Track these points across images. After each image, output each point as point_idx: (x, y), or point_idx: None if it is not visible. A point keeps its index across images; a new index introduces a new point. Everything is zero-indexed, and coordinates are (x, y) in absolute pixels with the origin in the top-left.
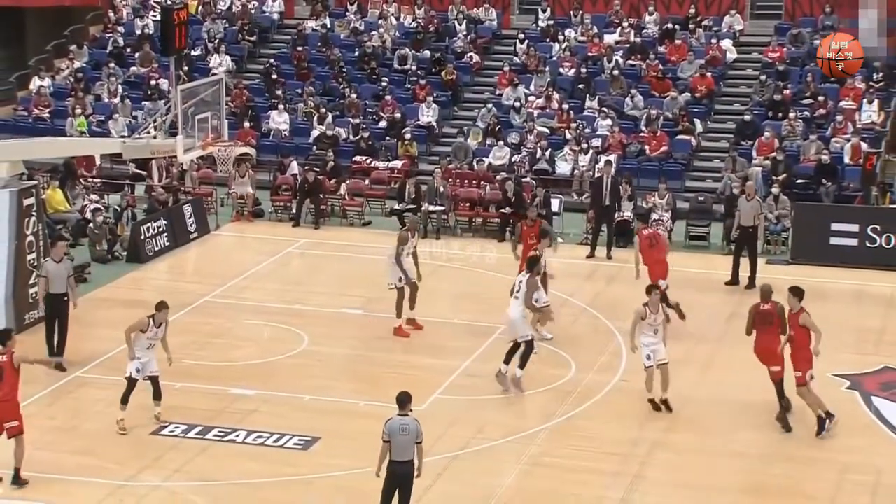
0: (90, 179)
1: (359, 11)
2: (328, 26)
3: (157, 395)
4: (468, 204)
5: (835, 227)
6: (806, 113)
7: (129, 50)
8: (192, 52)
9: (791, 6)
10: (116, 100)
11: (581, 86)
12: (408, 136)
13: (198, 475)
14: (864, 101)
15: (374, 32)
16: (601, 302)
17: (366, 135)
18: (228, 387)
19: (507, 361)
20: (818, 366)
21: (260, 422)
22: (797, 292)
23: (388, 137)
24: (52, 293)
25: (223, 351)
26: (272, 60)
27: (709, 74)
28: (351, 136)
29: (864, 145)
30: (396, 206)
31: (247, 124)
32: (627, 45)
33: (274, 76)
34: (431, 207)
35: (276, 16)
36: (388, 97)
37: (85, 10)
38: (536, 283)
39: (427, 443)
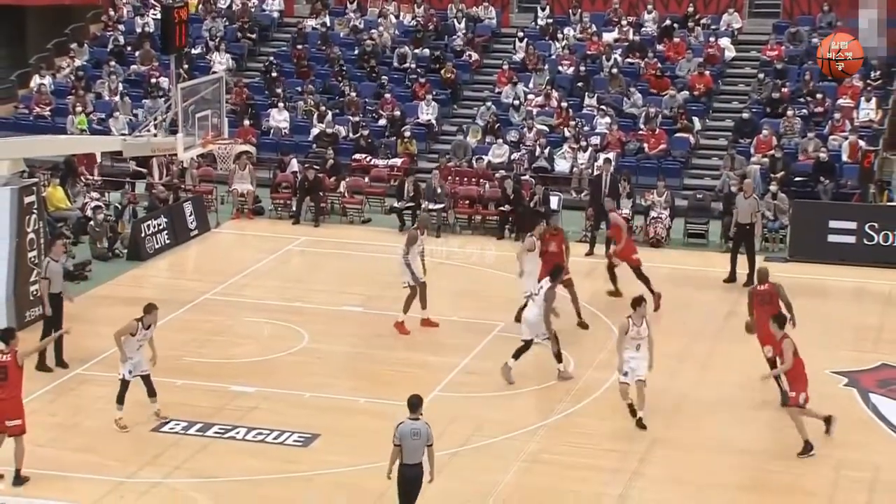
0: (91, 177)
1: (358, 10)
2: (328, 24)
3: (151, 393)
4: (467, 202)
5: (833, 224)
6: (804, 111)
7: (129, 48)
8: (193, 51)
9: (789, 4)
10: (117, 98)
11: (580, 84)
12: (407, 134)
13: (198, 472)
14: (862, 99)
15: (373, 31)
16: (600, 299)
17: (365, 133)
18: (229, 384)
19: (515, 357)
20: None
21: (260, 419)
22: (777, 319)
23: (387, 135)
24: (51, 293)
25: (223, 348)
26: (272, 58)
27: (707, 72)
28: (351, 134)
29: (861, 143)
30: (396, 204)
31: (247, 122)
32: (626, 44)
33: (274, 74)
34: (431, 206)
35: (276, 14)
36: (387, 95)
37: (85, 8)
38: (556, 294)
39: None
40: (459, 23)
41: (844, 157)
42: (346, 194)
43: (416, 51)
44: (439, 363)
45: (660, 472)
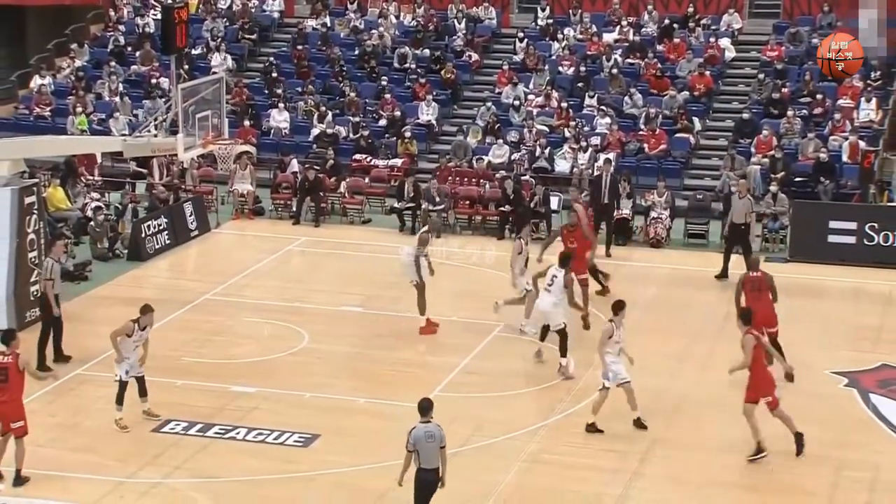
0: (91, 178)
1: (359, 10)
2: (328, 25)
3: (142, 393)
4: (468, 202)
5: (833, 224)
6: (804, 111)
7: (129, 48)
8: (193, 51)
9: (789, 5)
10: (117, 98)
11: (580, 84)
12: (407, 134)
13: (198, 472)
14: (863, 99)
15: (373, 31)
16: (600, 299)
17: (366, 133)
18: (229, 384)
19: (542, 339)
20: (816, 363)
21: (260, 419)
22: (743, 315)
23: (387, 136)
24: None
25: (224, 348)
26: (272, 59)
27: (707, 73)
28: (351, 135)
29: (862, 143)
30: (396, 205)
31: (247, 123)
32: (626, 44)
33: (274, 75)
34: (431, 207)
35: (276, 14)
36: (387, 95)
37: (86, 8)
38: (573, 280)
39: None
40: (459, 23)
41: (844, 158)
42: (346, 195)
43: (417, 51)
44: (439, 363)
45: (660, 471)
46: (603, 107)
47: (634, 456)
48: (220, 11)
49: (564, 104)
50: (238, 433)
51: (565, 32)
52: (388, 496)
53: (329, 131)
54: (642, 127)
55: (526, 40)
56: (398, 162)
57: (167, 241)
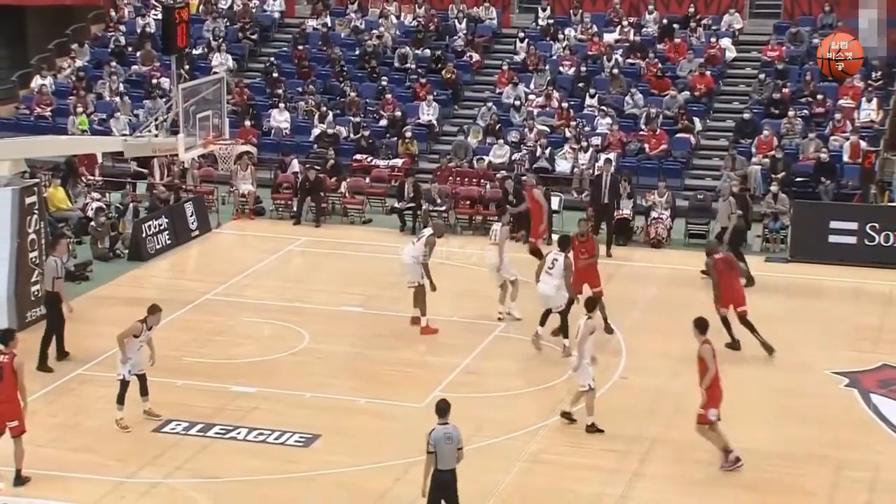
0: (92, 178)
1: (359, 10)
2: (329, 25)
3: (143, 391)
4: (468, 202)
5: (833, 225)
6: (805, 111)
7: (130, 48)
8: (194, 51)
9: (790, 5)
10: (118, 98)
11: (581, 84)
12: (408, 134)
13: (199, 472)
14: (863, 99)
15: (374, 31)
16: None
17: (366, 133)
18: (229, 384)
19: (542, 324)
20: (817, 363)
21: (261, 419)
22: (698, 324)
23: (388, 136)
24: (50, 291)
25: (224, 348)
26: (273, 59)
27: (708, 73)
28: (351, 135)
29: (862, 143)
30: (397, 205)
31: (248, 123)
32: (627, 44)
33: (275, 75)
34: (432, 207)
35: (277, 14)
36: (388, 96)
37: (86, 8)
38: (571, 263)
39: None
40: (460, 23)
41: (845, 158)
42: (346, 195)
43: (417, 51)
44: (440, 363)
45: (660, 472)
46: (603, 107)
47: (634, 456)
48: (220, 11)
49: (565, 104)
50: (238, 433)
51: (566, 32)
52: (388, 496)
53: (330, 131)
54: (643, 127)
55: (527, 40)
56: (399, 162)
57: (168, 241)
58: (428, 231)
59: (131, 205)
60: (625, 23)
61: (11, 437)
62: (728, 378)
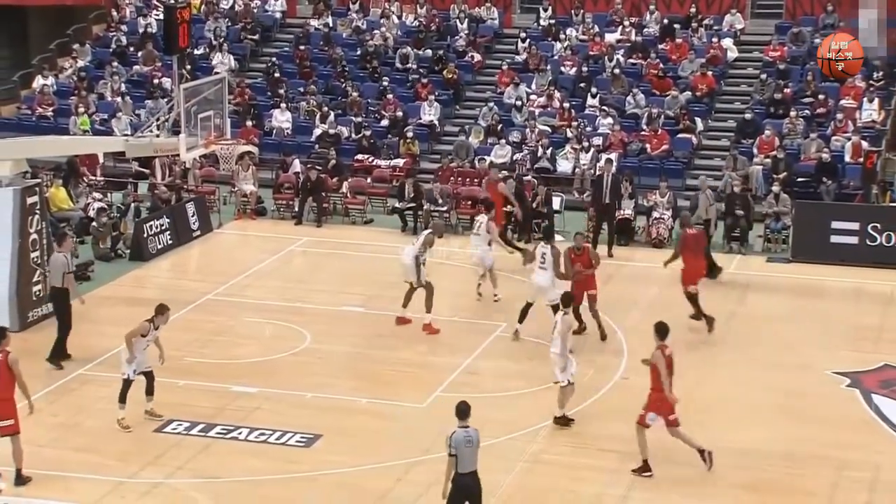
0: (93, 178)
1: (361, 10)
2: (330, 25)
3: (149, 391)
4: (469, 202)
5: (835, 225)
6: (806, 111)
7: (132, 49)
8: (195, 51)
9: (792, 5)
10: (119, 98)
11: (582, 84)
12: (409, 134)
13: (200, 472)
14: (865, 99)
15: (375, 31)
16: (601, 300)
17: (368, 133)
18: (231, 384)
19: (520, 321)
20: (818, 363)
21: (262, 419)
22: (658, 329)
23: (389, 136)
24: (55, 286)
25: (225, 348)
26: (274, 59)
27: (710, 73)
28: (353, 135)
29: (864, 144)
30: (398, 205)
31: (249, 123)
32: (628, 44)
33: (276, 75)
34: (433, 207)
35: (278, 15)
36: (389, 96)
37: (88, 8)
38: (560, 252)
39: (428, 440)
40: (462, 23)
41: (847, 158)
42: (348, 195)
43: (419, 51)
44: (441, 363)
45: (660, 472)
46: (605, 107)
47: (635, 456)
48: (222, 11)
49: (566, 104)
50: (240, 433)
51: (567, 32)
52: (389, 496)
53: (331, 131)
54: (644, 127)
55: (528, 40)
56: (400, 162)
57: (169, 242)
58: (427, 231)
59: (133, 205)
60: (626, 23)
61: (4, 436)
62: (729, 377)
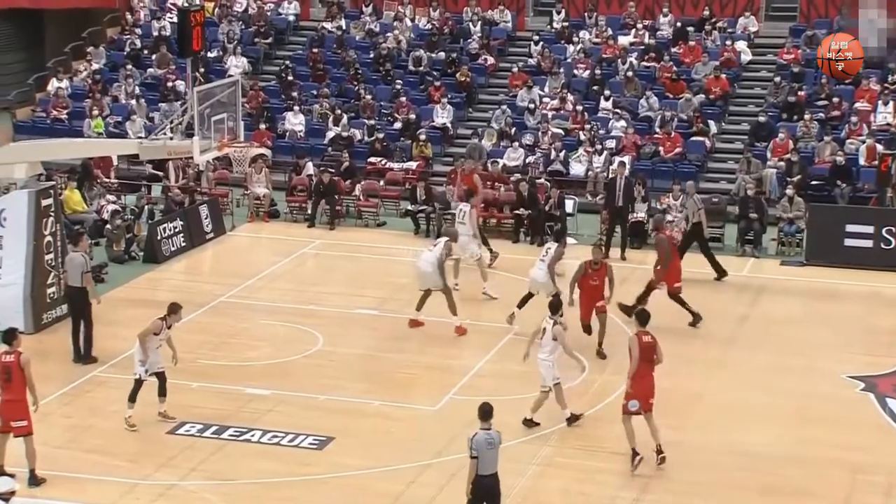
0: (107, 180)
1: (374, 13)
2: (343, 28)
3: (162, 392)
4: (482, 205)
5: (849, 228)
6: (821, 114)
7: (146, 52)
8: (209, 54)
9: (806, 8)
10: (133, 101)
11: (595, 87)
12: (422, 137)
13: (213, 474)
14: (879, 102)
15: (389, 34)
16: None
17: (381, 136)
18: (244, 386)
19: (520, 306)
20: (832, 367)
21: (275, 421)
22: (638, 315)
23: (402, 139)
24: (72, 286)
25: (238, 351)
26: (288, 62)
27: (723, 76)
28: (366, 138)
29: (879, 147)
30: (410, 208)
31: (262, 126)
32: (642, 47)
33: (289, 78)
34: (445, 210)
35: (291, 17)
36: (402, 98)
37: (103, 12)
38: (563, 253)
39: (441, 443)
40: (475, 26)
41: (861, 161)
42: (361, 197)
43: (432, 54)
44: (454, 366)
45: (674, 475)
46: (618, 110)
47: (649, 460)
48: (235, 14)
49: (579, 107)
50: (253, 435)
51: (580, 35)
52: (401, 499)
53: (344, 134)
54: (657, 130)
55: (541, 43)
56: (413, 165)
57: (183, 244)
58: (444, 239)
59: (146, 207)
60: (639, 26)
61: (17, 437)
62: (742, 381)
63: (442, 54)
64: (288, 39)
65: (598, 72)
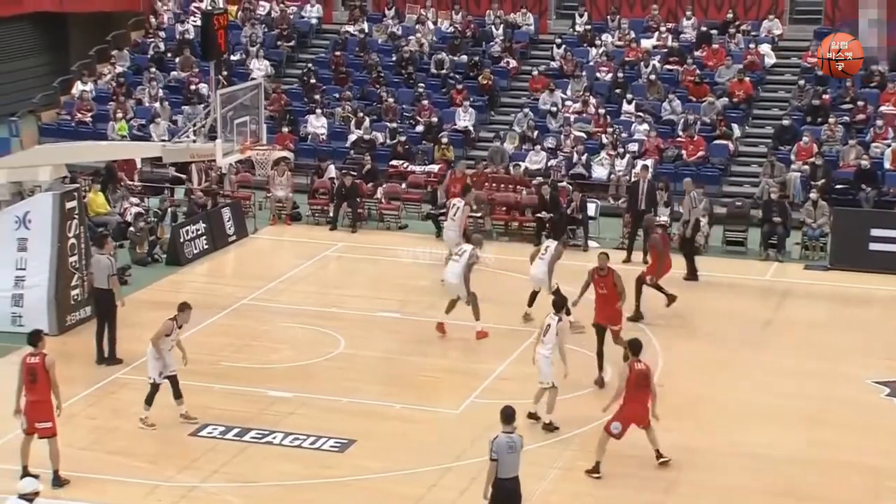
0: (131, 183)
1: (396, 16)
2: (366, 31)
3: (177, 395)
4: (504, 208)
5: (874, 232)
6: (845, 118)
7: (169, 55)
8: (232, 57)
9: (831, 10)
10: (157, 104)
11: (618, 90)
12: (444, 140)
13: (235, 476)
14: None
15: (411, 37)
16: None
17: (403, 139)
18: (266, 389)
19: (530, 304)
20: (857, 372)
21: (297, 424)
22: (631, 345)
23: (424, 142)
24: (98, 287)
25: (261, 353)
26: (310, 65)
27: (747, 79)
28: (388, 141)
29: None
30: (431, 211)
31: (285, 129)
32: (665, 50)
33: (312, 81)
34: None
35: (314, 21)
36: (424, 101)
37: (127, 15)
38: (562, 252)
39: (462, 446)
40: (497, 29)
41: (887, 165)
42: (383, 200)
43: (454, 57)
44: (475, 369)
45: (697, 479)
46: (641, 113)
47: (671, 464)
48: (258, 18)
49: (602, 110)
50: (275, 438)
51: (603, 38)
52: (422, 502)
53: (366, 137)
54: (680, 133)
55: (564, 46)
56: (435, 168)
57: (205, 246)
58: (469, 247)
59: (169, 209)
60: (662, 29)
61: (41, 438)
62: (765, 385)
63: (464, 57)
64: (310, 42)
65: (620, 75)
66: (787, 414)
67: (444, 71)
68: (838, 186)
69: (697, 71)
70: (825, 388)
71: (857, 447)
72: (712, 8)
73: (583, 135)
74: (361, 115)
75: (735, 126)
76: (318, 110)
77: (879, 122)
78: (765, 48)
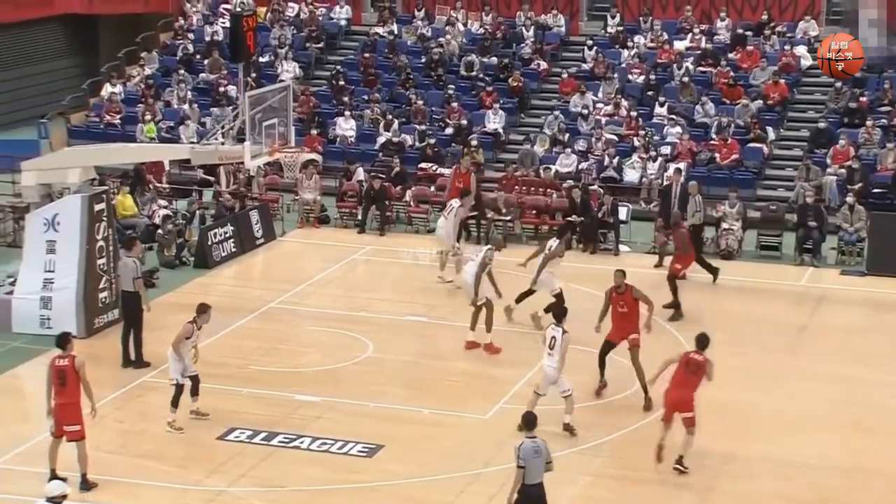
0: (159, 185)
1: (426, 18)
2: (395, 33)
3: (194, 392)
4: (534, 211)
5: None
6: (883, 121)
7: (198, 56)
8: (261, 59)
9: None
10: (186, 106)
11: (650, 92)
12: (474, 142)
13: (263, 481)
14: None
15: (441, 39)
16: (669, 312)
17: (432, 141)
18: (293, 393)
19: (517, 301)
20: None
21: (324, 428)
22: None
23: (453, 144)
24: (125, 290)
25: (288, 357)
26: (339, 67)
27: (782, 81)
28: (417, 143)
29: None
30: None
31: (313, 131)
32: (698, 52)
33: (341, 83)
34: (496, 217)
35: (343, 22)
36: (454, 104)
37: (156, 17)
38: (563, 252)
39: (490, 452)
40: (528, 31)
41: None
42: (411, 203)
43: (484, 59)
44: (505, 375)
45: (731, 486)
46: (673, 115)
47: (705, 471)
48: (287, 19)
49: (634, 113)
50: (302, 442)
51: (635, 40)
52: None
53: (395, 139)
54: (714, 136)
55: (595, 48)
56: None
57: (233, 249)
58: (486, 247)
59: (197, 212)
60: (696, 30)
61: (70, 441)
62: (800, 391)
63: (494, 59)
64: (339, 44)
65: (653, 77)
66: (823, 420)
67: (473, 73)
68: (875, 190)
69: (731, 73)
70: (861, 395)
71: (893, 454)
72: (747, 9)
73: (614, 137)
74: (390, 117)
75: (770, 129)
76: (347, 112)
77: None
78: (800, 50)
